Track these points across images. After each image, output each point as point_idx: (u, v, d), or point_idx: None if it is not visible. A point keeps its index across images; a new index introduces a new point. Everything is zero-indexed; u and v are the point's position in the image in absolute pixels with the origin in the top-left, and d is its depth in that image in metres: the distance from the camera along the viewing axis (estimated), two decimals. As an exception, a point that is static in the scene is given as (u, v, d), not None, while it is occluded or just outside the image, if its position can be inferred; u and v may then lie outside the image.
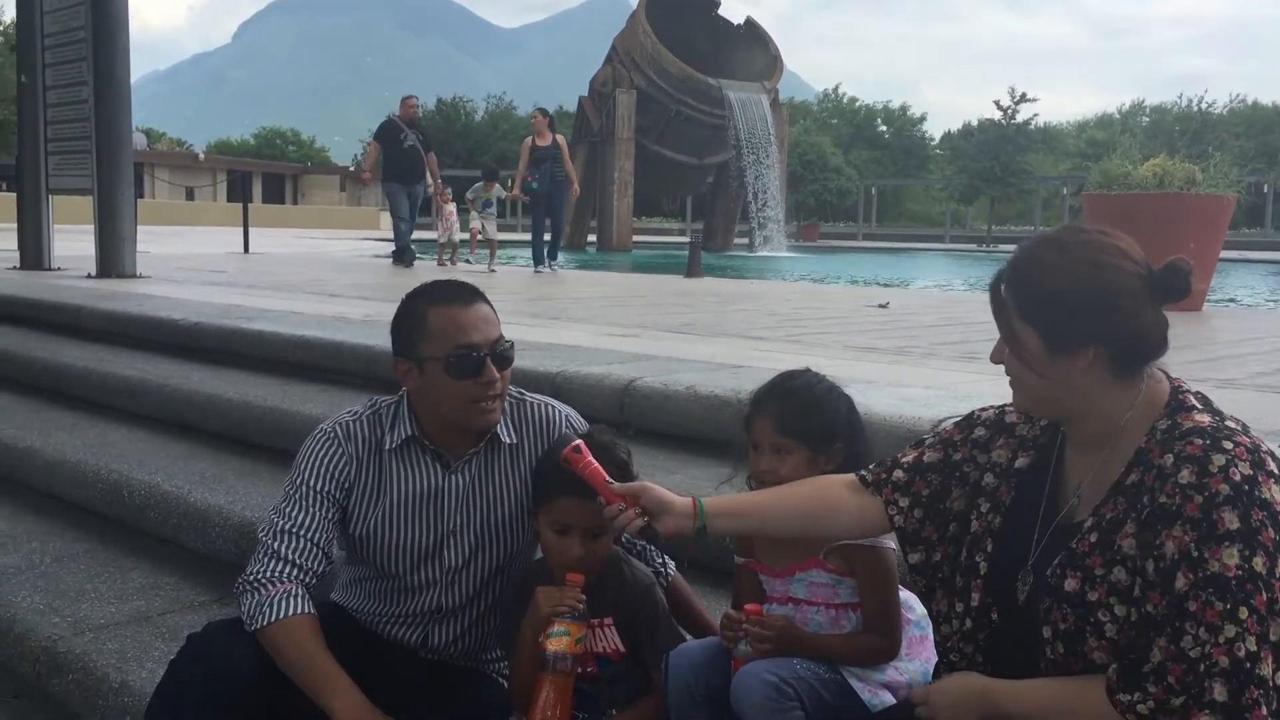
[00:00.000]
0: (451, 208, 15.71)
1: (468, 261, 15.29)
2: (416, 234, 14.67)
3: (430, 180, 14.51)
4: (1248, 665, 1.47)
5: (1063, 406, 1.73)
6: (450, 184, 16.48)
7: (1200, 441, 1.57)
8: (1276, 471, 1.55)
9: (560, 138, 14.43)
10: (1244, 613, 1.48)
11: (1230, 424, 1.61)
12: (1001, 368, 1.77)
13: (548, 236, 14.29)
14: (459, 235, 15.70)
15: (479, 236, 15.35)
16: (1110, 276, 1.63)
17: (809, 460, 2.08)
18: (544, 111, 14.83)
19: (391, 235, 15.30)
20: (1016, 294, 1.69)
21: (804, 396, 2.13)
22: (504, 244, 16.06)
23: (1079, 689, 1.63)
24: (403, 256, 14.30)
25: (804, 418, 2.10)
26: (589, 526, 2.10)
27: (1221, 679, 1.48)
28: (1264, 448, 1.58)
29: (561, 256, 14.92)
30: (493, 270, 13.96)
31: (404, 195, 14.20)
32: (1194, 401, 1.67)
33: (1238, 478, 1.52)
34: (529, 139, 14.19)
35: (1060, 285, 1.64)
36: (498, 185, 15.26)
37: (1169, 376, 1.71)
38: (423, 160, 14.23)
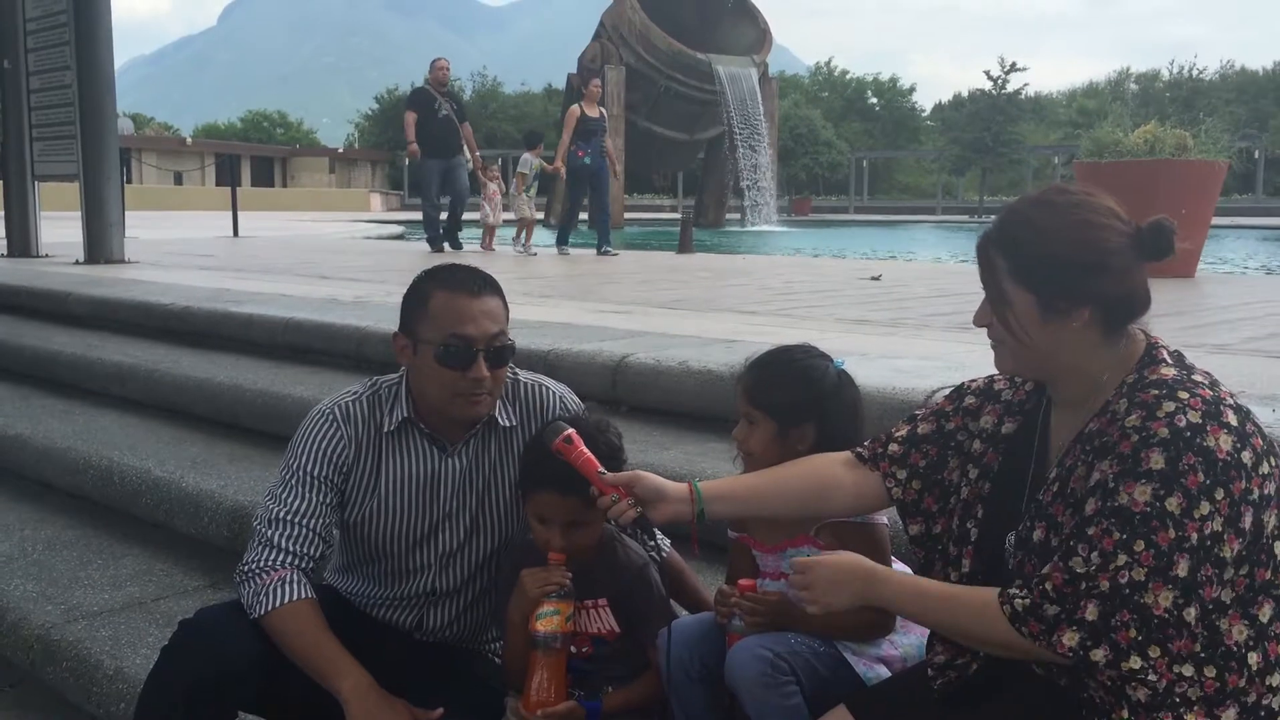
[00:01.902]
0: (495, 186, 13.79)
1: (533, 253, 12.82)
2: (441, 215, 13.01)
3: (469, 155, 12.90)
4: (1126, 591, 1.51)
5: (1048, 367, 1.73)
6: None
7: (1156, 391, 1.58)
8: (1233, 423, 1.55)
9: (603, 110, 12.93)
10: (1140, 545, 1.51)
11: (1196, 378, 1.61)
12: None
13: (583, 216, 13.06)
14: (503, 217, 13.82)
15: (522, 215, 13.01)
16: (1104, 236, 1.63)
17: (775, 434, 2.07)
18: (599, 80, 13.24)
19: (418, 218, 13.53)
20: (1010, 257, 1.68)
21: (777, 370, 2.12)
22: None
23: (969, 590, 1.67)
24: (437, 241, 12.85)
25: (771, 391, 2.08)
26: (567, 519, 2.08)
27: (1097, 601, 1.52)
28: (1227, 401, 1.58)
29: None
30: (534, 253, 12.72)
31: (439, 172, 12.56)
32: (1164, 356, 1.67)
33: (1181, 424, 1.53)
34: (575, 107, 12.61)
35: (1057, 248, 1.64)
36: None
37: (1147, 334, 1.71)
38: (458, 132, 12.67)
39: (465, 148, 12.82)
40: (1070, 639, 1.53)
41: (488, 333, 2.20)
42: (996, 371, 1.85)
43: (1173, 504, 1.50)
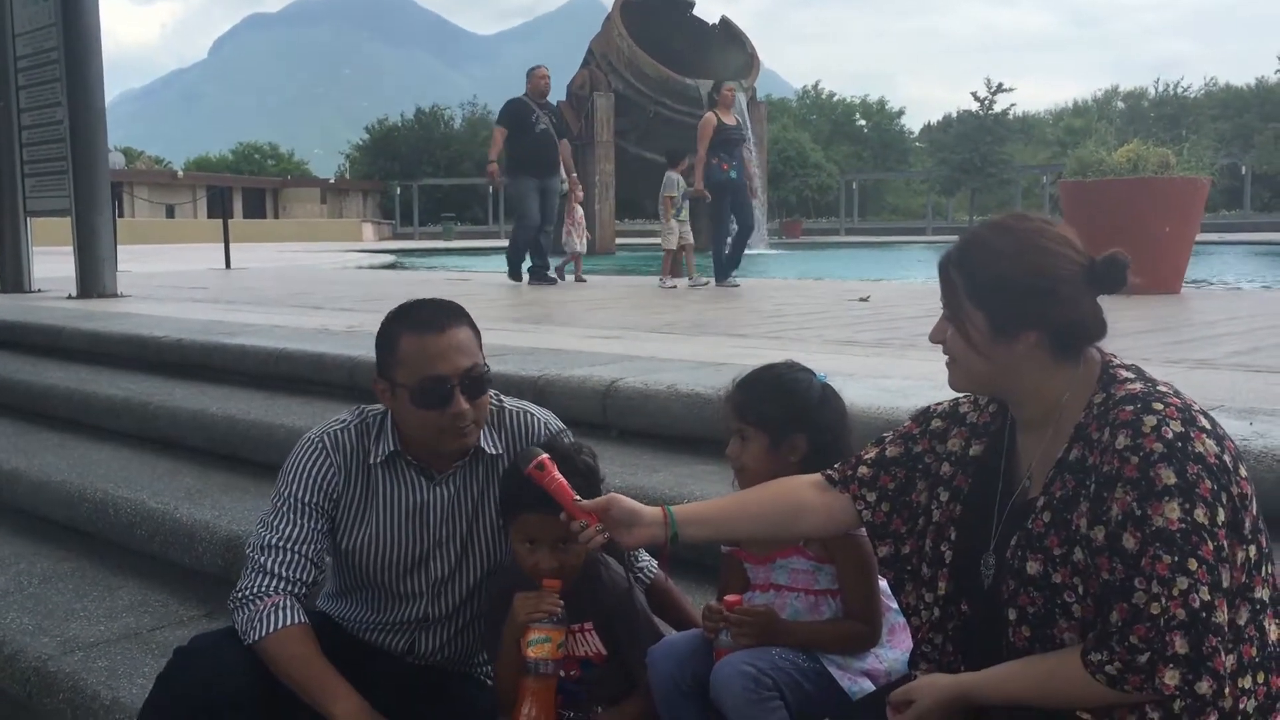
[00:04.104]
0: (581, 210, 12.58)
1: (704, 282, 11.17)
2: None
3: (564, 174, 11.51)
4: (1204, 615, 1.51)
5: (1001, 387, 1.78)
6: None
7: (1131, 407, 1.62)
8: (1208, 426, 1.60)
9: (740, 118, 11.28)
10: (1193, 564, 1.52)
11: (1161, 388, 1.66)
12: None
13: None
14: (585, 244, 12.41)
15: (682, 244, 11.39)
16: (1054, 263, 1.69)
17: (768, 448, 2.12)
18: (732, 84, 11.51)
19: (508, 246, 11.72)
20: (965, 276, 1.74)
21: (765, 385, 2.17)
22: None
23: (1059, 663, 1.65)
24: (541, 273, 11.43)
25: (761, 404, 2.14)
26: (555, 538, 2.10)
27: (1180, 631, 1.52)
28: (1195, 406, 1.62)
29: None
30: (705, 282, 11.08)
31: (536, 193, 11.06)
32: (1125, 373, 1.71)
33: (1170, 435, 1.56)
34: (710, 115, 10.88)
35: (1007, 270, 1.69)
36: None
37: (1101, 352, 1.75)
38: (557, 148, 11.25)
39: (563, 167, 11.45)
40: (1171, 677, 1.52)
41: (460, 368, 2.21)
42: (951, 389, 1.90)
43: (1200, 515, 1.53)
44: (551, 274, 11.71)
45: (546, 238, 11.54)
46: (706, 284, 10.94)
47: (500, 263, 12.74)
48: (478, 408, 2.25)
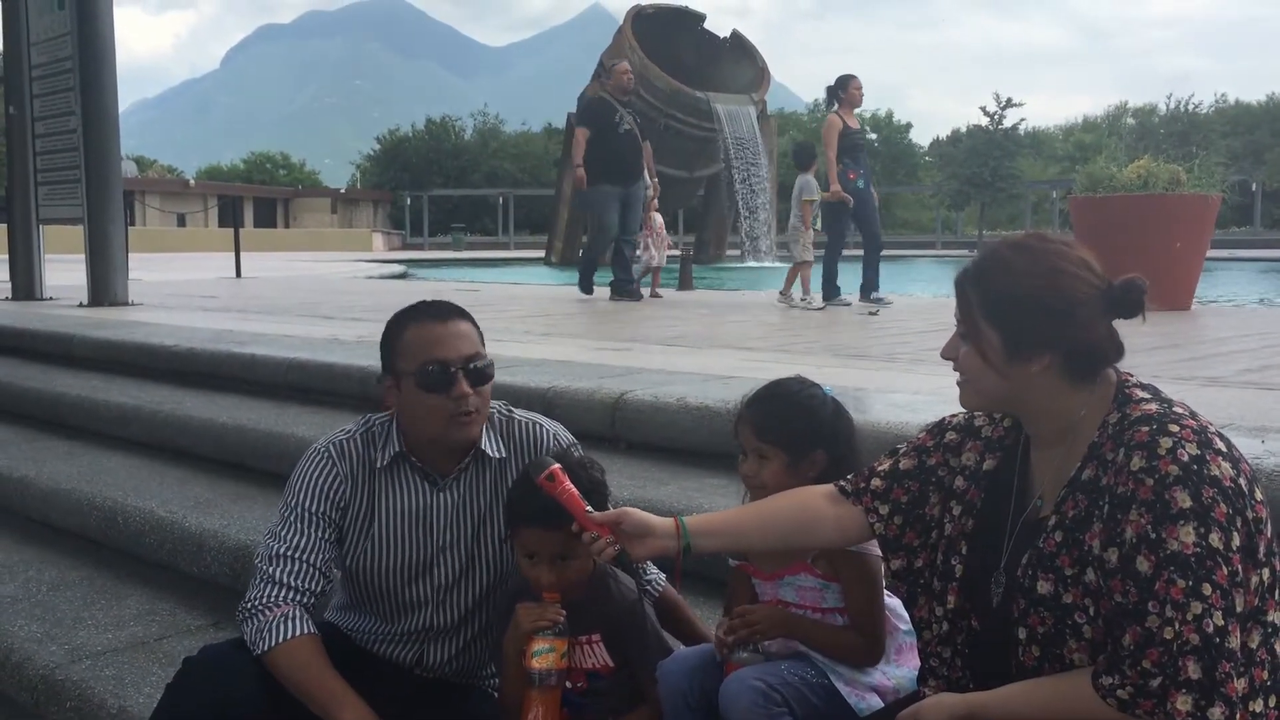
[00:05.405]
0: (660, 219, 11.56)
1: (820, 305, 9.93)
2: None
3: (649, 179, 10.46)
4: (1217, 640, 1.51)
5: (1015, 406, 1.77)
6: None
7: (1147, 428, 1.61)
8: (1224, 449, 1.59)
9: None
10: (1207, 589, 1.51)
11: (1177, 409, 1.65)
12: None
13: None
14: (664, 257, 11.12)
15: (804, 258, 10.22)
16: (1073, 285, 1.67)
17: (787, 465, 2.11)
18: (860, 83, 10.03)
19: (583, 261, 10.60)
20: (981, 293, 1.73)
21: (783, 402, 2.16)
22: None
23: (1069, 685, 1.64)
24: (625, 287, 10.27)
25: (781, 423, 2.13)
26: (554, 553, 2.10)
27: (1194, 656, 1.51)
28: (1211, 428, 1.62)
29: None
30: (821, 305, 9.86)
31: (617, 202, 10.01)
32: (1140, 393, 1.70)
33: (1186, 458, 1.56)
34: (834, 117, 9.86)
35: (1024, 289, 1.68)
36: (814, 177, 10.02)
37: (1117, 370, 1.74)
38: (641, 151, 10.19)
39: (646, 171, 10.37)
40: (1184, 703, 1.51)
41: (462, 353, 2.27)
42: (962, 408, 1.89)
43: (1215, 539, 1.52)
44: (634, 288, 10.55)
45: (630, 248, 10.46)
46: (824, 308, 9.84)
47: (510, 274, 12.68)
48: (481, 397, 2.28)
